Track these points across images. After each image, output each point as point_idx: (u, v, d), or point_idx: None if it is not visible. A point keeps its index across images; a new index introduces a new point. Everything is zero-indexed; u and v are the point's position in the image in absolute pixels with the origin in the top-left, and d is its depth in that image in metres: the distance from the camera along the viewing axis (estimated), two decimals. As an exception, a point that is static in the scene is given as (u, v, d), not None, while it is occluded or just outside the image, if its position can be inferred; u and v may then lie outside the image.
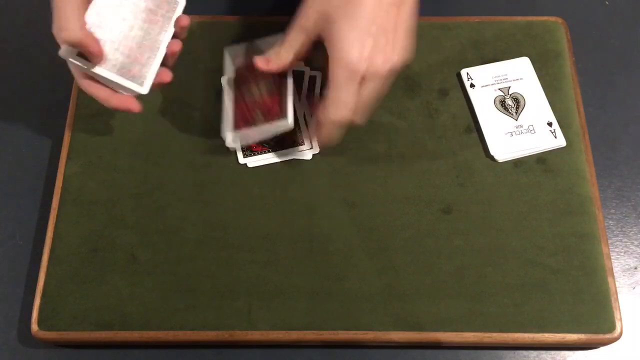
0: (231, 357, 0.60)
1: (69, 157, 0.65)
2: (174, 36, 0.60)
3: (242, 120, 0.63)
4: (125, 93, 0.59)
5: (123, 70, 0.57)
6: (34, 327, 0.58)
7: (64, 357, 0.60)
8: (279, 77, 0.63)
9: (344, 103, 0.57)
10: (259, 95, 0.63)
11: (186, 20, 0.61)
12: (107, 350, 0.60)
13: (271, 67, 0.61)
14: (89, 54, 0.56)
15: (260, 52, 0.63)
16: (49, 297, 0.59)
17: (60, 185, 0.64)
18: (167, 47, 0.60)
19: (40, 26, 0.76)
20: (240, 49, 0.66)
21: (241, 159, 0.65)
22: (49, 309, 0.59)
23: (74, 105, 0.68)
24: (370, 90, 0.57)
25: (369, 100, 0.58)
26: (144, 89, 0.59)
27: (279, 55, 0.60)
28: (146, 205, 0.63)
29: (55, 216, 0.62)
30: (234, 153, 0.65)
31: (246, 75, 0.64)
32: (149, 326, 0.58)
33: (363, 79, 0.56)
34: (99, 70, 0.57)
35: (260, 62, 0.61)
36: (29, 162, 0.68)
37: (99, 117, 0.67)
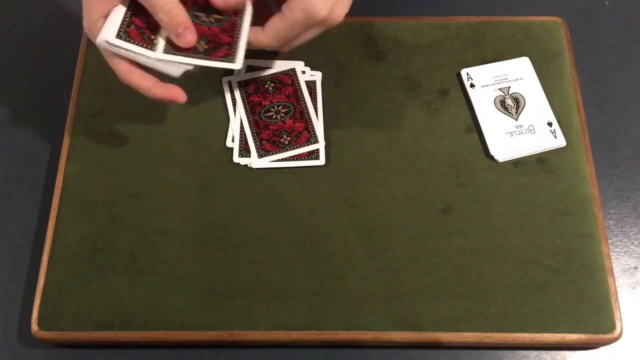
0: (231, 357, 0.60)
1: (69, 157, 0.65)
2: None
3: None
4: (171, 71, 0.57)
5: (211, 55, 0.56)
6: (34, 327, 0.58)
7: (64, 357, 0.60)
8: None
9: (283, 39, 0.57)
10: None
11: None
12: (107, 350, 0.60)
13: (230, 3, 0.58)
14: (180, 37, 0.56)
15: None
16: (49, 297, 0.59)
17: (60, 185, 0.64)
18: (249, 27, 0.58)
19: (40, 26, 0.76)
20: None
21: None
22: (49, 309, 0.59)
23: (73, 105, 0.68)
24: (315, 34, 0.57)
25: (307, 40, 0.58)
26: (237, 64, 0.57)
27: None
28: (146, 205, 0.63)
29: (55, 216, 0.62)
30: (233, 153, 0.65)
31: None
32: (149, 326, 0.58)
33: (314, 24, 0.56)
34: (143, 51, 0.56)
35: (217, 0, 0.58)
36: (29, 162, 0.68)
37: (99, 117, 0.67)
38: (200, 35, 0.58)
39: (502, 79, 0.69)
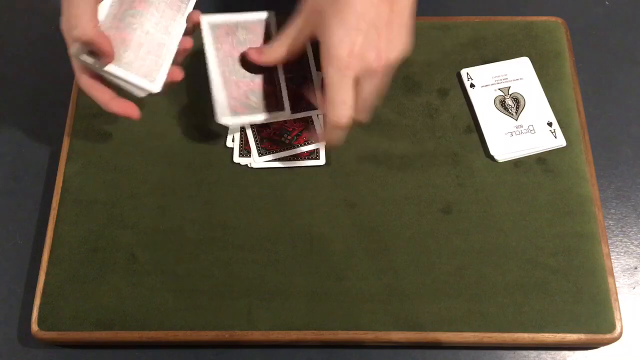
0: (231, 357, 0.60)
1: (69, 157, 0.65)
2: (185, 33, 0.60)
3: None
4: (136, 92, 0.58)
5: (133, 68, 0.57)
6: (34, 327, 0.58)
7: (64, 357, 0.60)
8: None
9: (341, 101, 0.56)
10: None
11: (198, 17, 0.61)
12: (107, 350, 0.60)
13: (263, 59, 0.61)
14: (100, 53, 0.56)
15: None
16: (49, 297, 0.59)
17: (60, 185, 0.64)
18: (179, 44, 0.59)
19: (40, 26, 0.76)
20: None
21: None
22: (49, 309, 0.59)
23: (74, 105, 0.68)
24: (368, 87, 0.56)
25: (369, 97, 0.57)
26: (156, 87, 0.58)
27: (272, 49, 0.61)
28: (146, 205, 0.63)
29: (55, 216, 0.62)
30: (233, 153, 0.65)
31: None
32: (149, 326, 0.58)
33: (358, 77, 0.55)
34: (110, 68, 0.56)
35: (253, 54, 0.61)
36: (29, 162, 0.68)
37: (99, 117, 0.67)
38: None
39: (502, 79, 0.69)
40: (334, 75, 0.55)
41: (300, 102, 0.65)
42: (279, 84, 0.63)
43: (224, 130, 0.66)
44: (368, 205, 0.63)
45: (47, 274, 0.60)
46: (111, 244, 0.61)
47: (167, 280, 0.60)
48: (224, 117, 0.62)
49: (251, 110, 0.62)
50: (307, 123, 0.66)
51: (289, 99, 0.64)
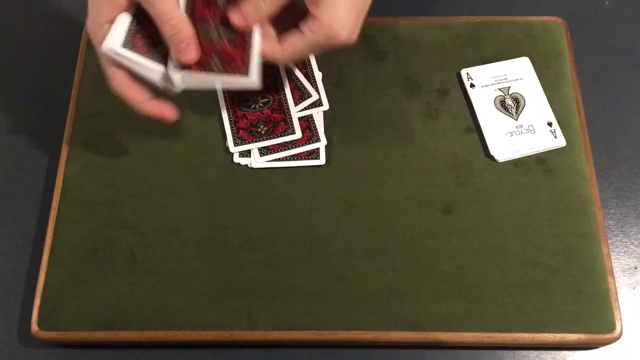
0: (231, 357, 0.60)
1: (69, 157, 0.65)
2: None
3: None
4: (169, 86, 0.56)
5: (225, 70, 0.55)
6: (34, 327, 0.58)
7: (64, 357, 0.60)
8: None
9: (299, 57, 0.58)
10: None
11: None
12: (107, 350, 0.60)
13: (249, 23, 0.56)
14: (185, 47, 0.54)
15: None
16: (49, 297, 0.59)
17: (60, 185, 0.64)
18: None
19: (40, 26, 0.76)
20: None
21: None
22: (49, 309, 0.59)
23: (74, 105, 0.68)
24: (322, 51, 0.57)
25: (307, 54, 0.60)
26: (252, 80, 0.55)
27: (258, 6, 0.55)
28: (146, 205, 0.63)
29: (55, 216, 0.62)
30: (232, 153, 0.65)
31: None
32: (149, 326, 0.58)
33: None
34: (142, 59, 0.55)
35: (235, 18, 0.56)
36: (29, 162, 0.68)
37: (99, 117, 0.67)
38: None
39: (502, 79, 0.69)
40: (319, 41, 0.55)
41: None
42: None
43: (224, 130, 0.66)
44: (368, 205, 0.63)
45: (47, 274, 0.60)
46: (111, 244, 0.61)
47: (167, 280, 0.60)
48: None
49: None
50: (307, 122, 0.66)
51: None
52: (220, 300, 0.59)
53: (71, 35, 0.73)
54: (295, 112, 0.66)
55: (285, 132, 0.65)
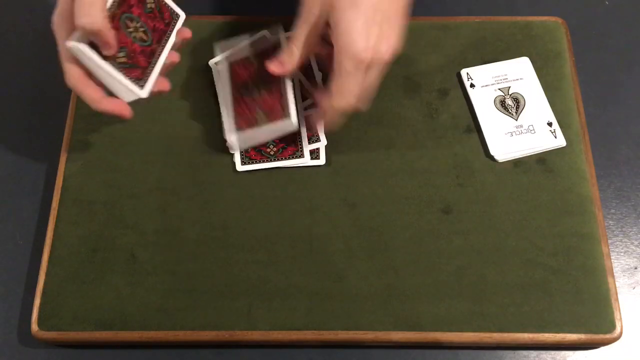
0: (231, 357, 0.60)
1: (68, 157, 0.65)
2: (173, 47, 0.60)
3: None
4: (121, 96, 0.58)
5: (125, 71, 0.57)
6: (34, 327, 0.58)
7: (64, 357, 0.60)
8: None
9: (350, 91, 0.57)
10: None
11: (188, 34, 0.61)
12: (107, 350, 0.60)
13: (287, 68, 0.60)
14: (103, 45, 0.55)
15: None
16: (49, 297, 0.59)
17: (60, 185, 0.64)
18: (167, 57, 0.60)
19: (40, 26, 0.76)
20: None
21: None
22: (49, 309, 0.59)
23: (74, 105, 0.68)
24: (373, 76, 0.57)
25: (372, 86, 0.58)
26: (144, 92, 0.58)
27: (292, 53, 0.59)
28: (146, 205, 0.63)
29: (55, 216, 0.62)
30: (232, 154, 0.65)
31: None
32: (149, 326, 0.58)
33: (367, 67, 0.56)
34: (106, 65, 0.55)
35: (274, 67, 0.60)
36: (29, 162, 0.68)
37: (99, 117, 0.67)
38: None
39: (502, 79, 0.69)
40: (349, 66, 0.55)
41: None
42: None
43: (224, 130, 0.66)
44: (368, 205, 0.63)
45: (47, 274, 0.60)
46: (111, 244, 0.61)
47: (167, 280, 0.60)
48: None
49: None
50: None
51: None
52: (220, 300, 0.59)
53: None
54: (306, 141, 0.66)
55: (310, 140, 0.65)
